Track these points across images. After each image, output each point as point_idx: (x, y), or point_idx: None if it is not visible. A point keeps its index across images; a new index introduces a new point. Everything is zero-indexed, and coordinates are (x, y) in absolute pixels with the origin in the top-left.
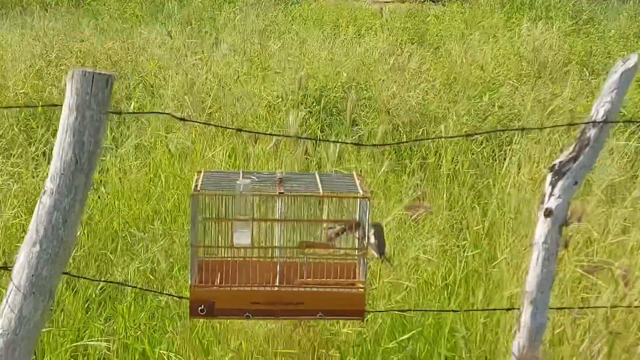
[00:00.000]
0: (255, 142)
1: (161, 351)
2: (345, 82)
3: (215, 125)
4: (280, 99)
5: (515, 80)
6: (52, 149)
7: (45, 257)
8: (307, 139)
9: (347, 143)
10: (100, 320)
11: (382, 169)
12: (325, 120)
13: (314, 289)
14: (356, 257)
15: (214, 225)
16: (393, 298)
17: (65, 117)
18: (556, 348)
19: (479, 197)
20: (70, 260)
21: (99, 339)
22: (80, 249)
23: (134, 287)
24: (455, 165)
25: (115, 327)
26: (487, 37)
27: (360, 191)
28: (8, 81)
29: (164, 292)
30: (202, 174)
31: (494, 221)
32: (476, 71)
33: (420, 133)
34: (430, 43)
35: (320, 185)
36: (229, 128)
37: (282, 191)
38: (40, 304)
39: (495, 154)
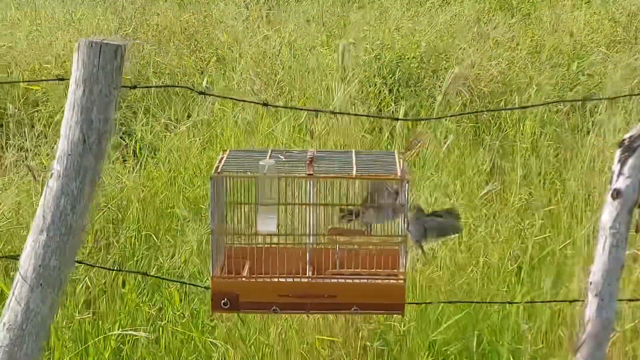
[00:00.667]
0: (317, 117)
1: (208, 339)
2: (424, 52)
3: (237, 100)
4: (352, 70)
5: (607, 48)
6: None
7: (52, 246)
8: (340, 114)
9: (386, 117)
10: (151, 304)
11: (446, 145)
12: (399, 92)
13: (348, 280)
14: (395, 244)
15: (238, 210)
16: (455, 282)
17: (72, 93)
18: (630, 344)
19: (560, 171)
20: (117, 242)
21: (143, 327)
22: (132, 228)
23: (157, 277)
24: (537, 137)
25: (163, 313)
26: (581, 2)
27: (399, 172)
28: None
29: (204, 279)
30: (227, 153)
31: (575, 198)
32: (566, 38)
33: (501, 104)
34: (520, 9)
35: (354, 165)
36: (253, 102)
37: (311, 172)
38: (49, 296)
39: (579, 126)
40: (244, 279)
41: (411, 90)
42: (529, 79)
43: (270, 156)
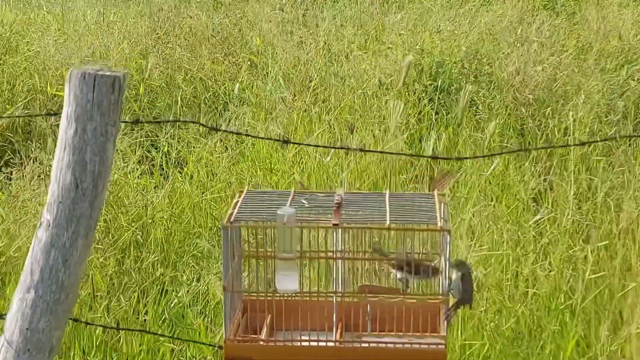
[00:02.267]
0: (352, 132)
1: None
2: (465, 57)
3: (253, 136)
4: (391, 78)
5: None
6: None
7: (42, 306)
8: (368, 151)
9: (418, 156)
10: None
11: (491, 169)
12: (440, 100)
13: (381, 345)
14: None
15: (255, 262)
16: (505, 322)
17: (63, 132)
18: None
19: (614, 188)
20: (135, 271)
21: None
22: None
23: (155, 333)
24: (587, 150)
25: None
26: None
27: (439, 221)
28: (110, 60)
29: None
30: (243, 194)
31: (632, 220)
32: (613, 40)
33: (547, 112)
34: (565, 8)
35: (388, 212)
36: (270, 139)
37: (336, 222)
38: None
39: (631, 138)
40: (261, 342)
41: (452, 99)
42: (577, 86)
43: (292, 199)
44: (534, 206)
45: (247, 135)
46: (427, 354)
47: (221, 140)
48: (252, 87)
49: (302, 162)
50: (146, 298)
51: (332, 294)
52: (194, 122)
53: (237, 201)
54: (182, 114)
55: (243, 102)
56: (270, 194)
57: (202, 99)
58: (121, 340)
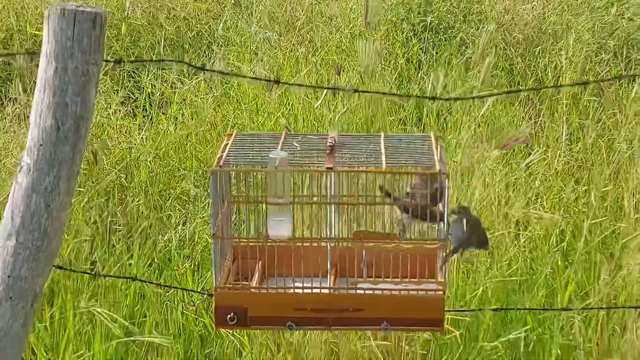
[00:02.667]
0: (339, 74)
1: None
2: None
3: (243, 77)
4: (378, 17)
5: None
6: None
7: (23, 253)
8: (358, 92)
9: (417, 97)
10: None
11: (483, 110)
12: (430, 39)
13: (377, 292)
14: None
15: (246, 208)
16: (497, 265)
17: (42, 71)
18: None
19: (605, 129)
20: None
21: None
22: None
23: (144, 281)
24: (578, 90)
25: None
26: None
27: (437, 164)
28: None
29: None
30: (232, 137)
31: (622, 161)
32: None
33: (537, 52)
34: None
35: (384, 154)
36: (262, 80)
37: (330, 166)
38: (21, 312)
39: (623, 80)
40: (252, 289)
41: (441, 39)
42: (566, 25)
43: (283, 142)
44: (524, 148)
45: (235, 75)
46: (425, 301)
47: (205, 81)
48: (237, 27)
49: (288, 103)
50: (132, 241)
51: (325, 240)
52: (179, 62)
53: (227, 144)
54: (165, 54)
55: (228, 42)
56: (260, 136)
57: (186, 39)
58: (107, 286)
